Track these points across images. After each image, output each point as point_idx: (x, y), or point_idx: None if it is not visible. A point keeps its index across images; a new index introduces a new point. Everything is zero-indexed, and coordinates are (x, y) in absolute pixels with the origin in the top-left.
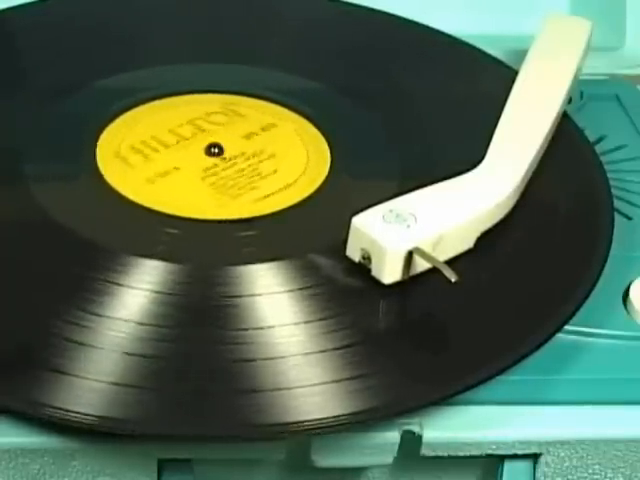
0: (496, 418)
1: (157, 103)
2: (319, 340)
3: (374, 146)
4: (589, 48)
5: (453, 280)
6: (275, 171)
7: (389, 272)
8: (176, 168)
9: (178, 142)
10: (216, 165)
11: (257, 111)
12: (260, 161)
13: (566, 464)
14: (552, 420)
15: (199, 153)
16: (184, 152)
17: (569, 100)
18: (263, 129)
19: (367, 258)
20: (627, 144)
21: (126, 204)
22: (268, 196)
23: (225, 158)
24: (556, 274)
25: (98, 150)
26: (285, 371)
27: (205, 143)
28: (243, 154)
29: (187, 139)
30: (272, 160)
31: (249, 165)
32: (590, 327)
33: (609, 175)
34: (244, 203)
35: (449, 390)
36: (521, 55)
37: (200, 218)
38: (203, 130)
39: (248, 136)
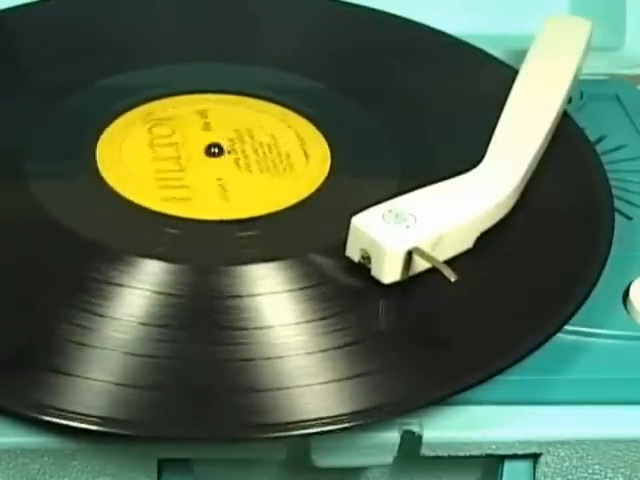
0: (496, 418)
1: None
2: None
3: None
4: (589, 48)
5: (453, 280)
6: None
7: (388, 272)
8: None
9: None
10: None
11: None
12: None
13: (566, 464)
14: (552, 420)
15: (199, 153)
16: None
17: (569, 100)
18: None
19: (367, 258)
20: (627, 144)
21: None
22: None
23: (224, 158)
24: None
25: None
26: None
27: (205, 143)
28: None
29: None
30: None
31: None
32: (590, 327)
33: (609, 175)
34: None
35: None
36: (521, 55)
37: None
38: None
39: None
